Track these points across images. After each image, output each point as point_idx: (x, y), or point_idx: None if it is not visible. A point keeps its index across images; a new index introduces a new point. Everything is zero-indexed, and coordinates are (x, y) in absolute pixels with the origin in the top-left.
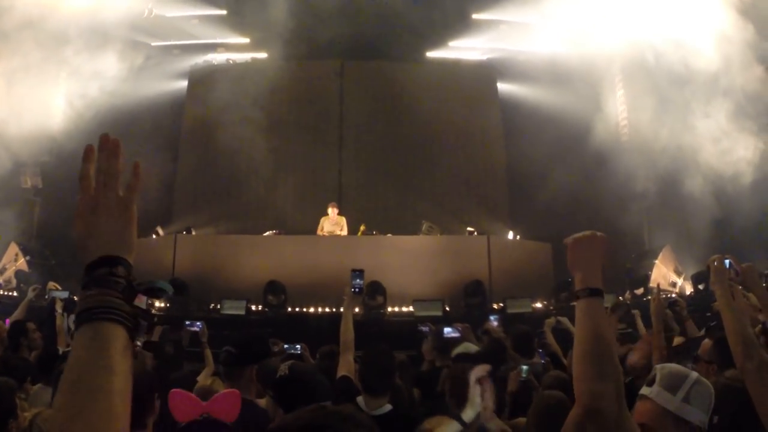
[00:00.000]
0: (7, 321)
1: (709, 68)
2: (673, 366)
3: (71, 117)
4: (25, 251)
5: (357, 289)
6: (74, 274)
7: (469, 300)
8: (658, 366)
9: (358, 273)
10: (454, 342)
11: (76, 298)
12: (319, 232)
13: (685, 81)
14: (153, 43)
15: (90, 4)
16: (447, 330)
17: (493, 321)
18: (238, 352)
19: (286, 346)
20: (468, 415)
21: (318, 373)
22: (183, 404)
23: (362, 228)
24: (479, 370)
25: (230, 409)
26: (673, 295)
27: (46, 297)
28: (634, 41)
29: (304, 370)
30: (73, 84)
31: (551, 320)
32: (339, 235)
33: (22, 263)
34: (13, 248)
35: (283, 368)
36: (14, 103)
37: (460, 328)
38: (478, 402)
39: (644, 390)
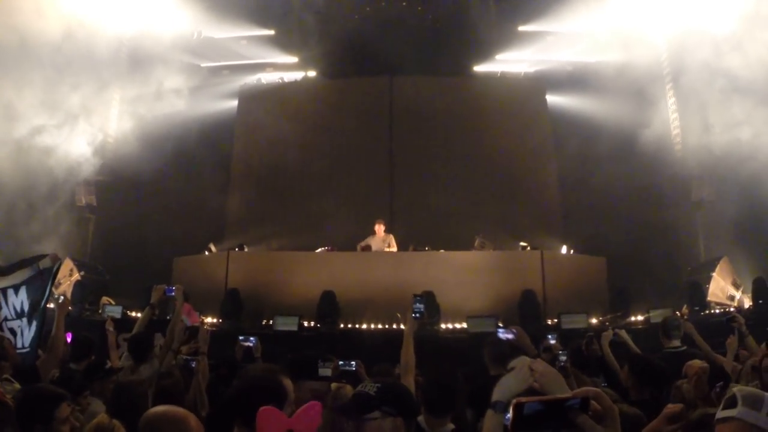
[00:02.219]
0: (69, 335)
1: (766, 72)
2: (746, 387)
3: (125, 137)
4: (80, 267)
5: (418, 314)
6: (128, 289)
7: (523, 315)
8: (734, 388)
9: (420, 298)
10: (510, 352)
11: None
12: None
13: (741, 86)
14: (203, 65)
15: (141, 28)
16: (501, 331)
17: (551, 339)
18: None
19: (340, 362)
20: None
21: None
22: (270, 421)
23: (410, 248)
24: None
25: (313, 422)
26: (732, 309)
27: (100, 311)
28: (685, 46)
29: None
30: (126, 105)
31: (608, 333)
32: (391, 252)
33: (76, 278)
34: (68, 264)
35: (371, 387)
36: (70, 123)
37: (515, 331)
38: None
39: (726, 412)
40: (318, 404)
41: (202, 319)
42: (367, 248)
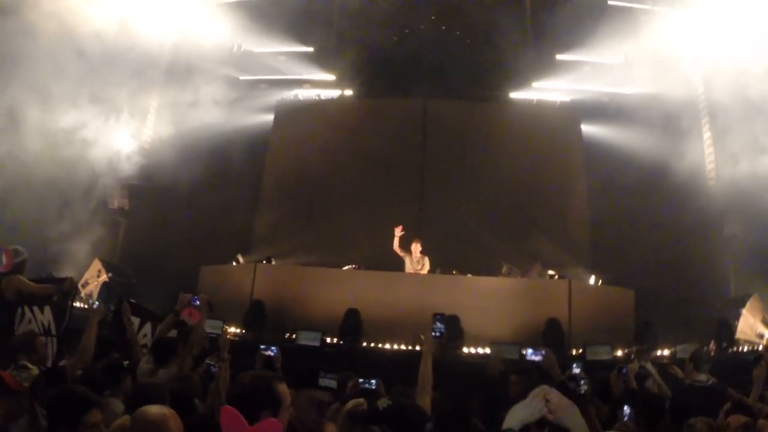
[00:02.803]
0: None
1: None
2: None
3: (161, 143)
4: (108, 268)
5: (438, 333)
6: (153, 294)
7: (547, 344)
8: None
9: (440, 317)
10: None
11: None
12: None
13: None
14: (241, 77)
15: (183, 35)
16: (530, 352)
17: (576, 369)
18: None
19: (360, 380)
20: None
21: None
22: (231, 422)
23: (438, 272)
24: None
25: None
26: (760, 348)
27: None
28: (722, 81)
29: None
30: (164, 111)
31: (634, 365)
32: (418, 273)
33: (104, 279)
34: (97, 264)
35: (383, 402)
36: (108, 128)
37: (543, 352)
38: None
39: None
40: (278, 424)
41: (226, 329)
42: (399, 252)
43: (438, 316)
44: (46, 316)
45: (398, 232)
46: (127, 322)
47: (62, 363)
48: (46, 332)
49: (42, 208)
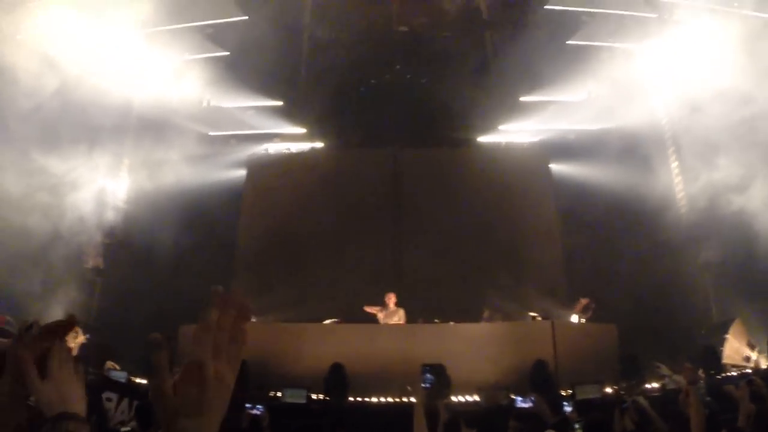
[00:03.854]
0: None
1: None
2: None
3: (134, 202)
4: (85, 329)
5: (428, 385)
6: (131, 355)
7: (535, 385)
8: None
9: (429, 368)
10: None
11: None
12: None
13: (744, 145)
14: (211, 133)
15: (151, 94)
16: (519, 400)
17: (567, 408)
18: None
19: None
20: None
21: None
22: None
23: (420, 321)
24: None
25: None
26: (748, 371)
27: (105, 374)
28: (686, 108)
29: None
30: (136, 170)
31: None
32: (400, 324)
33: (81, 340)
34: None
35: None
36: (79, 187)
37: (533, 398)
38: None
39: None
40: None
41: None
42: (372, 314)
43: (427, 368)
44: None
45: (367, 309)
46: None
47: None
48: None
49: (15, 272)
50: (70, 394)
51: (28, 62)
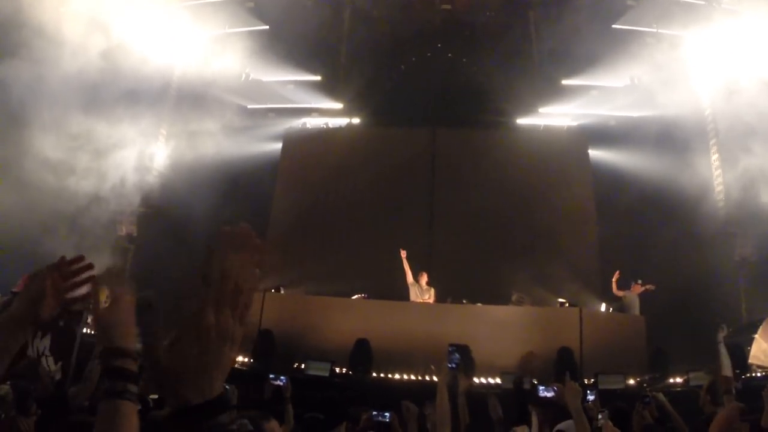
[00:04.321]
0: None
1: None
2: None
3: (169, 172)
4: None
5: (454, 365)
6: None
7: (559, 373)
8: None
9: (456, 348)
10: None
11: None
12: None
13: None
14: (250, 106)
15: (192, 65)
16: (541, 389)
17: (591, 396)
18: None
19: (374, 413)
20: None
21: None
22: None
23: (448, 301)
24: None
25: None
26: None
27: None
28: (730, 102)
29: None
30: (173, 140)
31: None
32: (428, 303)
33: None
34: (104, 291)
35: None
36: (117, 153)
37: (556, 388)
38: None
39: None
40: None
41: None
42: (410, 280)
43: (453, 347)
44: (44, 342)
45: (403, 254)
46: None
47: (69, 390)
48: (40, 357)
49: (50, 233)
50: (128, 328)
51: (73, 25)
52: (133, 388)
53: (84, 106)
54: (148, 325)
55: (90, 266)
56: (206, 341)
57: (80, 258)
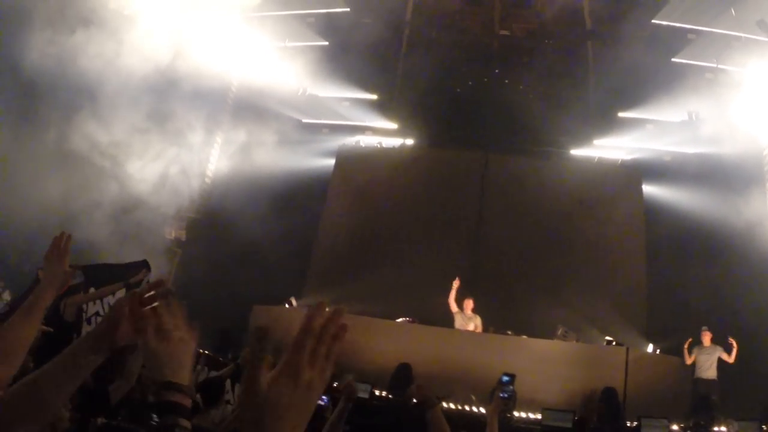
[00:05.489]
0: None
1: None
2: None
3: (223, 180)
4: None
5: (507, 396)
6: (201, 329)
7: (602, 414)
8: None
9: (510, 378)
10: None
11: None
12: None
13: None
14: (305, 120)
15: (251, 76)
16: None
17: None
18: None
19: None
20: None
21: None
22: None
23: (491, 330)
24: None
25: None
26: None
27: None
28: None
29: None
30: (227, 149)
31: None
32: (472, 332)
33: None
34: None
35: None
36: (173, 157)
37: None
38: None
39: None
40: None
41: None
42: (452, 306)
43: (509, 377)
44: (95, 307)
45: (456, 284)
46: None
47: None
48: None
49: (102, 232)
50: (181, 362)
51: (139, 23)
52: (186, 424)
53: (144, 108)
54: (255, 354)
55: (169, 293)
56: (297, 391)
57: (161, 283)
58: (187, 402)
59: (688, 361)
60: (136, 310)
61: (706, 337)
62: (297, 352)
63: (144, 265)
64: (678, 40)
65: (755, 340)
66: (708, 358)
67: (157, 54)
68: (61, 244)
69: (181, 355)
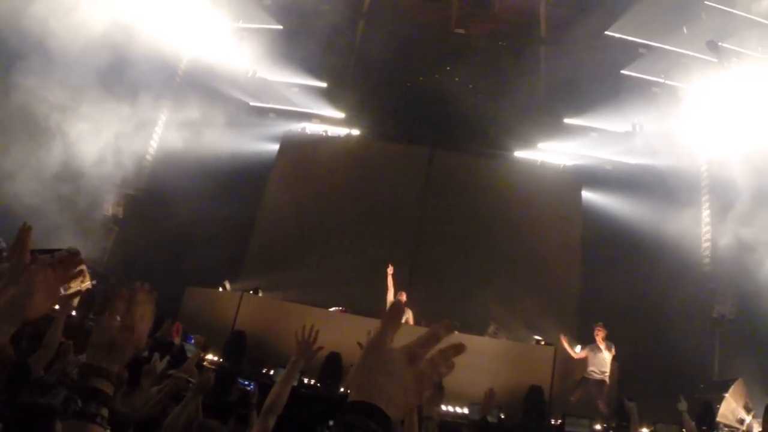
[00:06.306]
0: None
1: None
2: None
3: (163, 158)
4: (93, 275)
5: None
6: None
7: (527, 410)
8: None
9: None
10: None
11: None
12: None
13: None
14: (252, 103)
15: (199, 55)
16: None
17: None
18: None
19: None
20: None
21: None
22: None
23: (422, 324)
24: None
25: None
26: None
27: None
28: (727, 161)
29: None
30: (170, 127)
31: None
32: (403, 323)
33: (87, 285)
34: (82, 269)
35: None
36: (113, 134)
37: None
38: None
39: None
40: None
41: (203, 355)
42: (390, 299)
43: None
44: None
45: (390, 270)
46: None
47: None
48: None
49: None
50: (124, 354)
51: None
52: (105, 413)
53: (86, 84)
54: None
55: (81, 262)
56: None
57: (76, 255)
58: (110, 390)
59: (575, 355)
60: (50, 282)
61: (600, 335)
62: (422, 347)
63: (75, 254)
64: (629, 52)
65: (680, 347)
66: (600, 357)
67: (104, 27)
68: (24, 237)
69: (129, 346)
